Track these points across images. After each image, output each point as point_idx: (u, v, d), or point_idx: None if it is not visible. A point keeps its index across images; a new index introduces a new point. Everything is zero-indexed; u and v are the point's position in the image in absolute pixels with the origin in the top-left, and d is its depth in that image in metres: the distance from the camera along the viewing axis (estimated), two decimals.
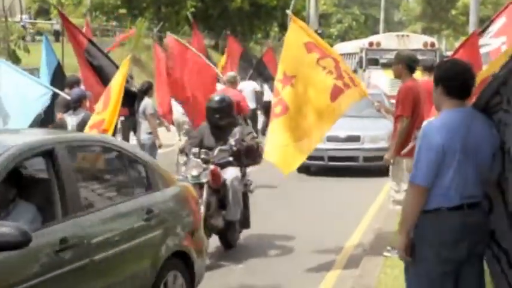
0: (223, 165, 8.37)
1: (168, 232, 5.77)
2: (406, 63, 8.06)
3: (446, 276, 4.53)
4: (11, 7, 26.95)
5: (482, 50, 9.24)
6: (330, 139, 13.91)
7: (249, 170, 8.97)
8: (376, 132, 14.59)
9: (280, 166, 8.45)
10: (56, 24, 31.68)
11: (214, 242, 8.55)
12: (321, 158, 14.39)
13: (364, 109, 14.89)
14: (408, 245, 4.55)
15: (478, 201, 4.53)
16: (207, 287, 7.35)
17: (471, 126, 4.48)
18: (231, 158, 8.43)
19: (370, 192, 12.47)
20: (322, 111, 8.34)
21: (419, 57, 19.80)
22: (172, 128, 15.84)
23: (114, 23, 39.76)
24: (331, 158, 14.52)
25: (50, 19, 41.21)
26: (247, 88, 18.55)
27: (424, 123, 6.16)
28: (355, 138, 14.62)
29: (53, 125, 10.98)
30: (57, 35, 31.42)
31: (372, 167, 14.06)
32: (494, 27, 9.21)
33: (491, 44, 9.15)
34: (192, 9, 35.57)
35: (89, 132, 8.51)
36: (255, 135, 8.77)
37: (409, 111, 7.94)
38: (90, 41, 11.57)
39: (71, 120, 9.70)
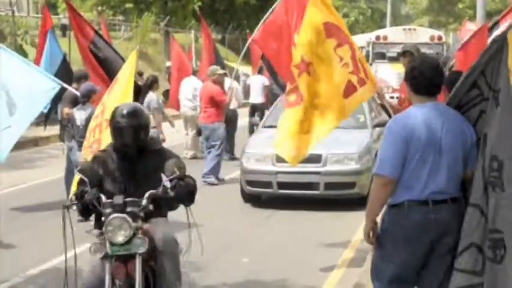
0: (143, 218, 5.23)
1: None
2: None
3: (413, 271, 4.62)
4: (18, 1, 26.98)
5: None
6: (280, 158, 9.56)
7: None
8: (344, 150, 10.76)
9: (288, 159, 8.01)
10: (64, 18, 31.67)
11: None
12: (269, 185, 10.79)
13: None
14: (373, 230, 4.65)
15: (448, 197, 4.53)
16: (212, 280, 7.38)
17: (438, 122, 4.54)
18: (151, 206, 5.15)
19: None
20: (333, 106, 7.76)
21: (427, 50, 19.56)
22: (180, 122, 15.89)
23: (121, 18, 39.72)
24: (282, 185, 10.72)
25: (57, 14, 41.22)
26: (257, 82, 18.52)
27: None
28: (315, 158, 10.41)
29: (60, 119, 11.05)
30: (64, 29, 31.41)
31: (337, 197, 10.75)
32: (500, 30, 9.12)
33: None
34: (199, 3, 35.52)
35: (93, 123, 8.53)
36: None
37: None
38: (96, 32, 11.57)
39: (80, 115, 9.72)
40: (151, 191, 5.15)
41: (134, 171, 5.43)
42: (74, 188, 9.26)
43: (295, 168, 10.09)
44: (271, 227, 9.71)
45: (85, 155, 8.63)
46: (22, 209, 10.63)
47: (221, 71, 13.40)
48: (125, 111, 5.44)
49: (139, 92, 12.14)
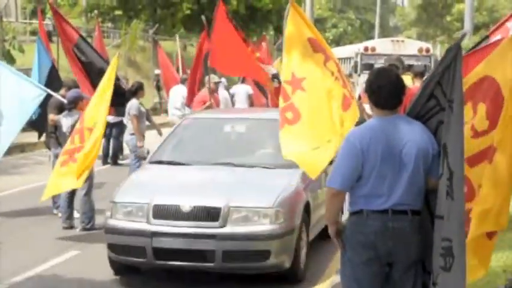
0: None
1: None
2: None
3: (374, 277, 4.61)
4: (6, 7, 26.89)
5: None
6: (159, 213, 7.14)
7: None
8: (254, 201, 7.20)
9: (305, 169, 7.32)
10: (49, 25, 31.66)
11: None
12: (141, 252, 7.16)
13: (247, 148, 8.55)
14: (338, 231, 4.71)
15: (408, 209, 4.53)
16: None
17: (398, 135, 4.54)
18: None
19: None
20: (335, 120, 7.32)
21: (414, 62, 19.57)
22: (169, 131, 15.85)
23: (109, 25, 39.70)
24: (160, 253, 7.12)
25: (44, 19, 41.14)
26: (241, 91, 18.49)
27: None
28: (210, 214, 7.09)
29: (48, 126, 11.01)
30: (49, 35, 31.41)
31: (242, 271, 7.37)
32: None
33: None
34: (188, 12, 35.53)
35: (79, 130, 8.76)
36: None
37: None
38: (81, 36, 11.59)
39: (66, 121, 9.70)
40: None
41: None
42: (52, 193, 9.51)
43: (181, 228, 7.07)
44: None
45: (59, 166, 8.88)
46: (7, 215, 10.56)
47: (216, 80, 13.49)
48: None
49: (124, 97, 12.11)
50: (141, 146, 11.74)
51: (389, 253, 4.54)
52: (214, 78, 13.46)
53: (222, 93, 15.94)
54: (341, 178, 4.56)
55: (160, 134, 13.13)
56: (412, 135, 4.54)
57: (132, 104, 11.82)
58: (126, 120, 12.36)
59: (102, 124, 9.02)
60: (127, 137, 12.11)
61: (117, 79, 11.97)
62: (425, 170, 4.54)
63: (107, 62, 10.95)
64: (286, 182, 7.62)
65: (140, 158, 11.22)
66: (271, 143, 8.21)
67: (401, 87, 4.67)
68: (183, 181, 7.82)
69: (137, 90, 12.12)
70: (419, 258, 4.58)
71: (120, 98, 11.69)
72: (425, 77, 10.38)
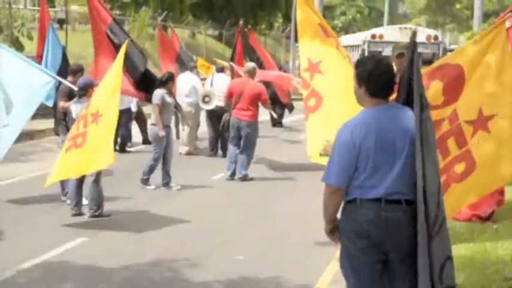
0: None
1: None
2: None
3: (371, 266, 4.56)
4: None
5: None
6: None
7: None
8: None
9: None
10: (60, 11, 31.63)
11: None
12: None
13: None
14: (333, 229, 4.68)
15: (402, 198, 4.46)
16: (206, 276, 7.38)
17: (391, 124, 4.48)
18: None
19: None
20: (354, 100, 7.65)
21: (423, 50, 19.49)
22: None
23: (118, 12, 39.68)
24: None
25: (54, 6, 41.10)
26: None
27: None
28: None
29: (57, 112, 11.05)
30: (60, 23, 31.40)
31: None
32: None
33: None
34: None
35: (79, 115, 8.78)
36: None
37: None
38: (114, 20, 11.62)
39: (76, 108, 9.69)
40: None
41: None
42: (55, 179, 9.45)
43: None
44: (266, 225, 9.71)
45: (66, 146, 8.93)
46: (16, 202, 10.60)
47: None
48: None
49: (153, 84, 12.05)
50: (163, 135, 11.67)
51: (384, 242, 4.48)
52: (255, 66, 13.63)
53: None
54: (336, 174, 4.49)
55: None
56: (404, 122, 4.49)
57: (157, 94, 11.77)
58: (133, 107, 12.33)
59: (114, 112, 8.86)
60: (149, 126, 12.17)
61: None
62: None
63: (138, 48, 11.00)
64: None
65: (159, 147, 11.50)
66: None
67: (395, 76, 4.63)
68: None
69: (167, 81, 12.05)
70: (415, 247, 4.47)
71: (150, 85, 11.71)
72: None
